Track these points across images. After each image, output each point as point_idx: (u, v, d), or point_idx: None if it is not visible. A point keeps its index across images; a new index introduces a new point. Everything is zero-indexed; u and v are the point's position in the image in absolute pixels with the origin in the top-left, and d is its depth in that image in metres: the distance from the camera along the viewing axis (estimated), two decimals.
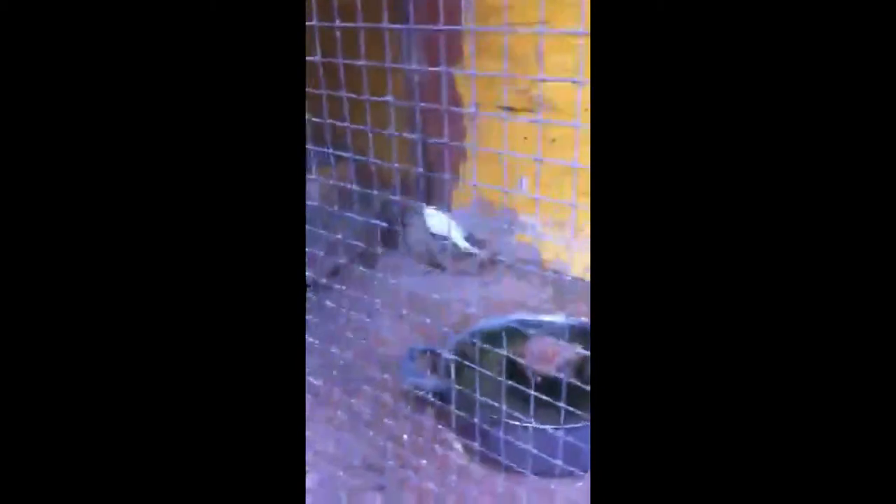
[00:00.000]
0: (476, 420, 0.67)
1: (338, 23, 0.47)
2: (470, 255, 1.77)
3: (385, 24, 0.47)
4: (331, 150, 0.66)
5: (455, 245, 1.79)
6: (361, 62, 0.50)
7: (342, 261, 0.82)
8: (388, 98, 0.49)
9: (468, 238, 1.80)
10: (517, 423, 0.62)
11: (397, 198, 0.60)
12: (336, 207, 0.67)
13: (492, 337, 0.79)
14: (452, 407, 0.69)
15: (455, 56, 1.74)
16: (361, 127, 0.54)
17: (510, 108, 1.67)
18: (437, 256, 1.76)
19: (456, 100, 1.80)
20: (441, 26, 0.47)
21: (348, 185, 0.70)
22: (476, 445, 0.68)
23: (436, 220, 1.79)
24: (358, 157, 0.58)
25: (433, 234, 1.78)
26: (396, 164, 0.51)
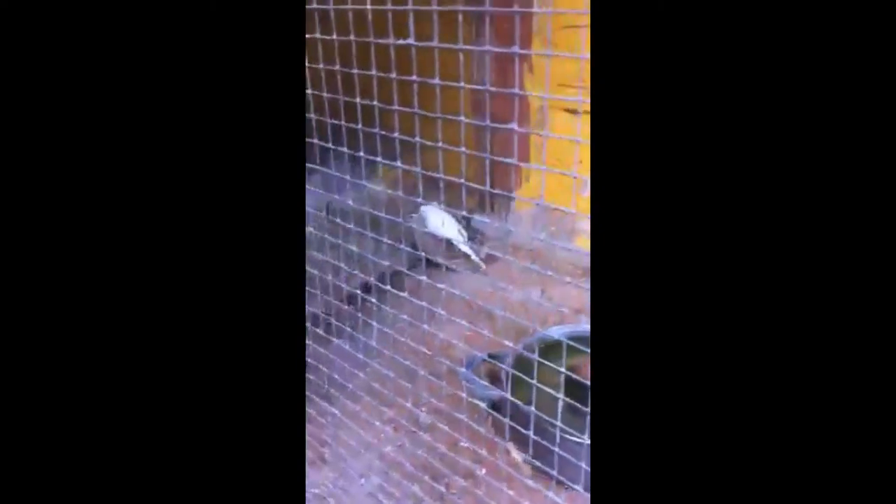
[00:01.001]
0: (533, 433, 0.66)
1: (413, 41, 0.48)
2: (465, 254, 1.75)
3: (460, 46, 0.47)
4: (391, 162, 0.67)
5: (450, 243, 1.77)
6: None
7: (400, 267, 0.83)
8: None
9: (466, 236, 1.78)
10: (572, 437, 0.61)
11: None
12: (400, 216, 0.69)
13: (550, 348, 0.77)
14: (509, 418, 0.69)
15: (524, 59, 1.72)
16: (418, 138, 0.54)
17: (575, 112, 1.64)
18: (432, 252, 1.73)
19: (524, 103, 1.78)
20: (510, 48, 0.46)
21: (401, 194, 0.71)
22: (532, 458, 0.67)
23: (432, 217, 1.76)
24: (415, 169, 0.58)
25: (429, 232, 1.75)
26: (442, 175, 0.51)
